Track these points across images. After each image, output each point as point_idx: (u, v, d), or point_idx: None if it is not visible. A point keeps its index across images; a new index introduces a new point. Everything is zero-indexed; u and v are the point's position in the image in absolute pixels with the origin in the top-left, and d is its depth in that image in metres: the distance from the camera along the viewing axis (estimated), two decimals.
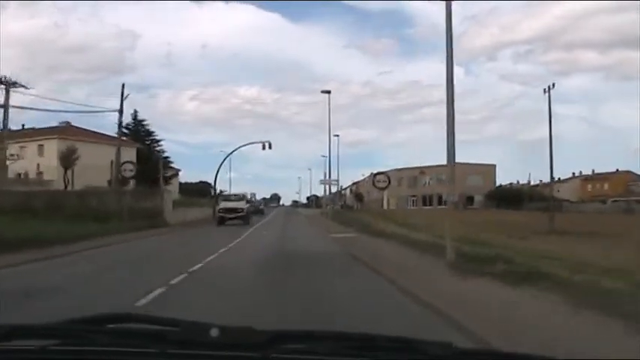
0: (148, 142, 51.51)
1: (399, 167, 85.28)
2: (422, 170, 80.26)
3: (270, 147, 39.27)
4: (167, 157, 52.53)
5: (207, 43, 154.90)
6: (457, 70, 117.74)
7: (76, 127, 44.15)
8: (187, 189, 71.18)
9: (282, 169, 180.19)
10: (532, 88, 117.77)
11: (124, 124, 50.91)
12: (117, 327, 1.56)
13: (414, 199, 79.54)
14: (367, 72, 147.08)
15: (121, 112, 26.13)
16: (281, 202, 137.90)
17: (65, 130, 43.33)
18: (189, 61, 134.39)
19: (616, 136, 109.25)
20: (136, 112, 52.35)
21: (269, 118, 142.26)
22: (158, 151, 52.12)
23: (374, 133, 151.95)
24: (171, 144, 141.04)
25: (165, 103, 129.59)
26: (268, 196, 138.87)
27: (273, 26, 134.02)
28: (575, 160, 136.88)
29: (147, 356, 1.40)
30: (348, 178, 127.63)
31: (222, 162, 48.26)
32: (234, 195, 37.93)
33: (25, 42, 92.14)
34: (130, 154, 44.02)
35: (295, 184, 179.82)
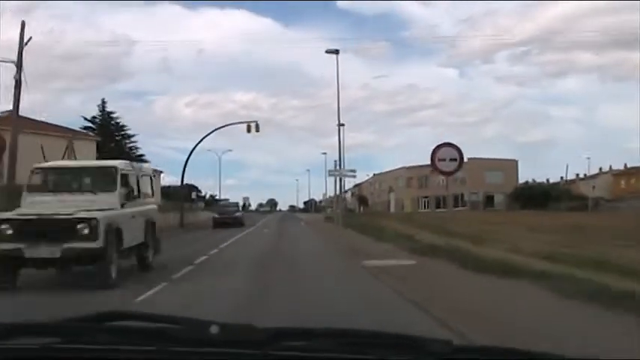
0: (118, 138, 43.14)
1: (408, 165, 76.86)
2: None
3: (257, 129, 30.76)
4: (142, 155, 44.20)
5: (202, 48, 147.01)
6: (452, 73, 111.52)
7: (23, 117, 35.56)
8: (171, 192, 66.02)
9: (280, 174, 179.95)
10: (528, 89, 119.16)
11: (89, 116, 42.40)
12: (117, 325, 1.55)
13: (427, 200, 70.98)
14: (363, 76, 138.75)
15: (19, 65, 17.22)
16: (278, 208, 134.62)
17: (8, 120, 34.72)
18: (185, 67, 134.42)
19: (611, 136, 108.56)
20: (103, 102, 43.69)
21: (266, 122, 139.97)
22: (131, 149, 43.79)
23: (371, 136, 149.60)
24: (168, 150, 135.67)
25: (162, 109, 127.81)
26: (264, 201, 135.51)
27: (268, 31, 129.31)
28: (573, 160, 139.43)
29: (147, 354, 1.38)
30: (342, 182, 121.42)
31: (191, 153, 37.59)
32: (66, 167, 11.24)
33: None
34: (87, 149, 35.48)
35: (292, 190, 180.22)
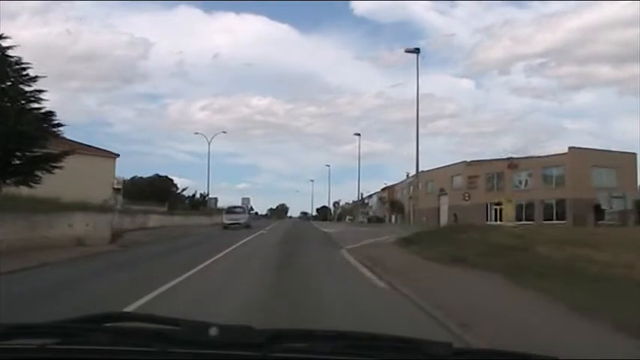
0: (12, 80, 23.32)
1: (469, 159, 56.14)
2: (512, 162, 50.83)
3: None
4: (50, 113, 24.67)
5: (218, 53, 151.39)
6: (468, 83, 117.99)
7: None
8: (136, 184, 54.57)
9: (293, 180, 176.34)
10: (545, 102, 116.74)
11: None
12: (117, 326, 1.55)
13: (499, 207, 50.06)
14: (379, 84, 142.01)
15: None
16: (289, 214, 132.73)
17: None
18: (200, 71, 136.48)
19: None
20: None
21: (281, 128, 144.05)
22: (30, 99, 23.75)
23: (385, 145, 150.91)
24: (180, 153, 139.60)
25: (177, 112, 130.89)
26: (275, 206, 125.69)
27: (285, 37, 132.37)
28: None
29: (147, 355, 1.37)
30: (356, 191, 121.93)
31: None
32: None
33: (36, 49, 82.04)
34: None
35: (304, 196, 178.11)
